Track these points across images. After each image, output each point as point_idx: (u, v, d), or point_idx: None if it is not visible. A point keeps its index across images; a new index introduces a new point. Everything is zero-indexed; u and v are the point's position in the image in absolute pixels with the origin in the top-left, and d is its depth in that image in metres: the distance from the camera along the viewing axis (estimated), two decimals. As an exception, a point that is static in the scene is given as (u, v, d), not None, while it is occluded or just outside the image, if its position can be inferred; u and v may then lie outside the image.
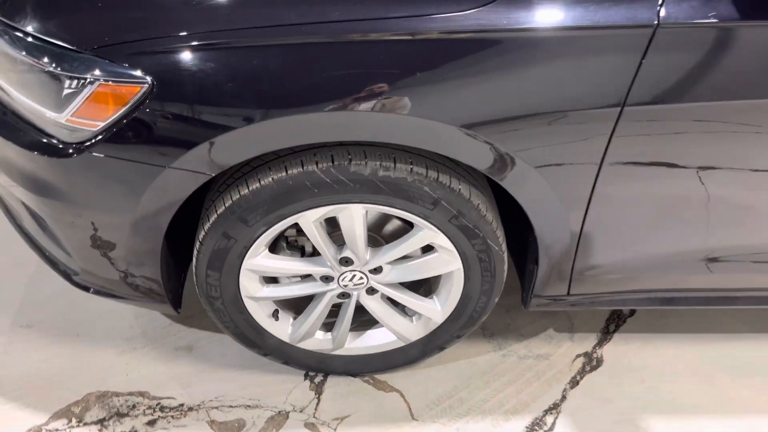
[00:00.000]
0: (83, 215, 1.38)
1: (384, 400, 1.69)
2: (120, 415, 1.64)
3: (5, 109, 1.35)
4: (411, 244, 1.43)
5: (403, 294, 1.55)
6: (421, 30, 1.14)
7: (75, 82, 1.19)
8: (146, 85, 1.16)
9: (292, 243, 1.51)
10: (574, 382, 1.75)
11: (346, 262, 1.46)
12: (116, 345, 1.80)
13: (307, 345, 1.64)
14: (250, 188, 1.31)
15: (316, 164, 1.28)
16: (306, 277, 1.54)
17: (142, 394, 1.69)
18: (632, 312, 1.95)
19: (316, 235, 1.39)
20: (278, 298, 1.55)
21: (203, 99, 1.17)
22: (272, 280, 1.56)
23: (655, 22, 1.14)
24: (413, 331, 1.62)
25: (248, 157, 1.25)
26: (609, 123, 1.23)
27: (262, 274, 1.49)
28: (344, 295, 1.55)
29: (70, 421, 1.62)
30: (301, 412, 1.66)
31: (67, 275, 1.58)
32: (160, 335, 1.83)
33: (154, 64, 1.16)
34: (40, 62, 1.20)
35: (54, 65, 1.19)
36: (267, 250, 1.44)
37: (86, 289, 1.57)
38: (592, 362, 1.81)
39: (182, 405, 1.66)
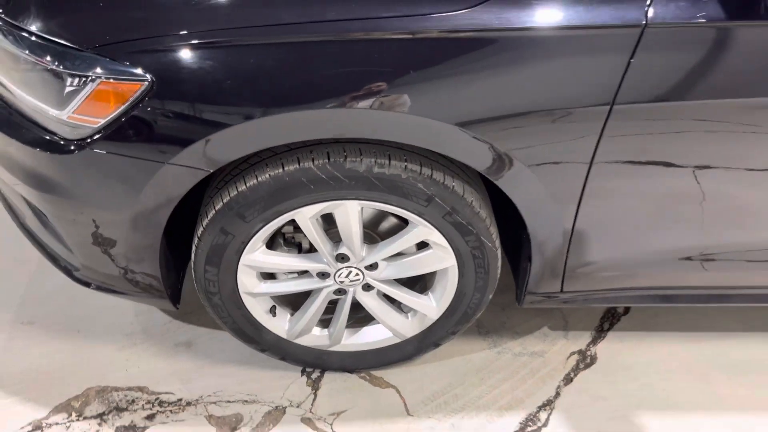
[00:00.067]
0: (85, 212, 1.40)
1: (380, 396, 1.71)
2: (119, 410, 1.66)
3: (9, 107, 1.38)
4: (406, 240, 1.45)
5: (399, 290, 1.57)
6: (415, 29, 1.17)
7: (77, 79, 1.22)
8: (146, 83, 1.19)
9: (289, 240, 1.54)
10: (568, 379, 1.77)
11: (342, 258, 1.48)
12: (116, 341, 1.83)
13: (304, 341, 1.66)
14: (248, 185, 1.33)
15: (312, 161, 1.31)
16: (303, 274, 1.56)
17: (141, 389, 1.71)
18: (627, 310, 1.97)
19: (313, 232, 1.42)
20: (275, 293, 1.58)
21: (201, 96, 1.20)
22: (270, 276, 1.58)
23: (643, 22, 1.16)
24: (408, 328, 1.65)
25: (245, 153, 1.28)
26: (599, 121, 1.25)
27: (259, 270, 1.51)
28: (340, 292, 1.57)
29: (70, 415, 1.65)
30: (297, 407, 1.68)
31: (68, 271, 1.61)
32: (160, 332, 1.86)
33: (154, 62, 1.18)
34: (43, 60, 1.23)
35: (56, 63, 1.22)
36: (264, 246, 1.47)
37: (87, 284, 1.60)
38: (586, 360, 1.83)
39: (181, 400, 1.69)
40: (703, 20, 1.17)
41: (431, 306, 1.59)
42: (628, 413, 1.69)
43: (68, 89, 1.23)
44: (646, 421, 1.68)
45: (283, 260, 1.50)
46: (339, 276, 1.52)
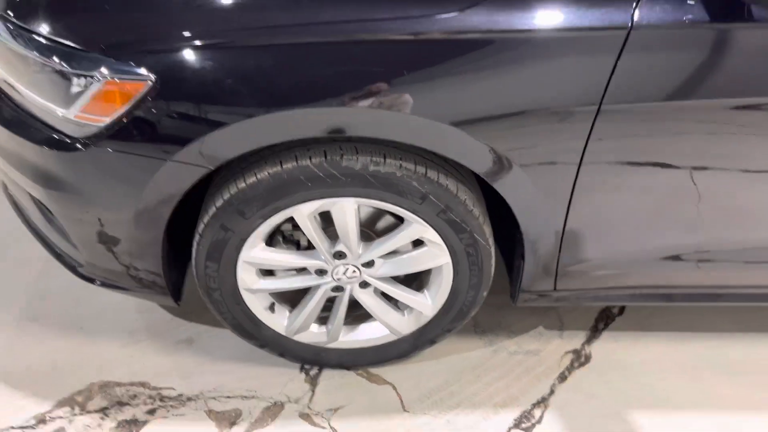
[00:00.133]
0: (90, 210, 1.45)
1: (377, 393, 1.74)
2: (121, 404, 1.69)
3: (18, 107, 1.43)
4: (401, 237, 1.49)
5: (395, 288, 1.60)
6: (408, 30, 1.21)
7: (83, 79, 1.26)
8: (149, 82, 1.23)
9: (288, 237, 1.57)
10: (562, 378, 1.80)
11: (339, 255, 1.52)
12: (119, 338, 1.86)
13: (302, 338, 1.70)
14: (248, 182, 1.37)
15: (310, 159, 1.35)
16: (301, 271, 1.60)
17: (143, 384, 1.74)
18: (621, 311, 1.99)
19: (310, 229, 1.46)
20: (274, 290, 1.61)
21: (201, 95, 1.24)
22: (269, 273, 1.62)
23: (629, 25, 1.20)
24: (405, 325, 1.68)
25: (244, 151, 1.32)
26: (587, 122, 1.29)
27: (258, 267, 1.55)
28: (338, 289, 1.60)
29: (74, 409, 1.68)
30: (296, 402, 1.71)
31: (72, 267, 1.65)
32: (162, 329, 1.89)
33: (157, 62, 1.23)
34: (51, 62, 1.28)
35: (63, 64, 1.27)
36: (264, 243, 1.51)
37: (92, 280, 1.64)
38: (580, 359, 1.85)
39: (181, 395, 1.72)
40: (688, 22, 1.21)
41: (427, 303, 1.62)
42: (621, 411, 1.72)
43: (75, 89, 1.28)
44: (639, 418, 1.70)
45: (282, 257, 1.54)
46: (336, 273, 1.55)
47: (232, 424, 1.66)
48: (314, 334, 1.70)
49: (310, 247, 1.55)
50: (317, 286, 1.59)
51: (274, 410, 1.70)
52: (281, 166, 1.35)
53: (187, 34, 1.23)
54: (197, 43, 1.22)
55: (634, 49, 1.21)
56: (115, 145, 1.31)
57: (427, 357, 1.82)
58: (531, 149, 1.33)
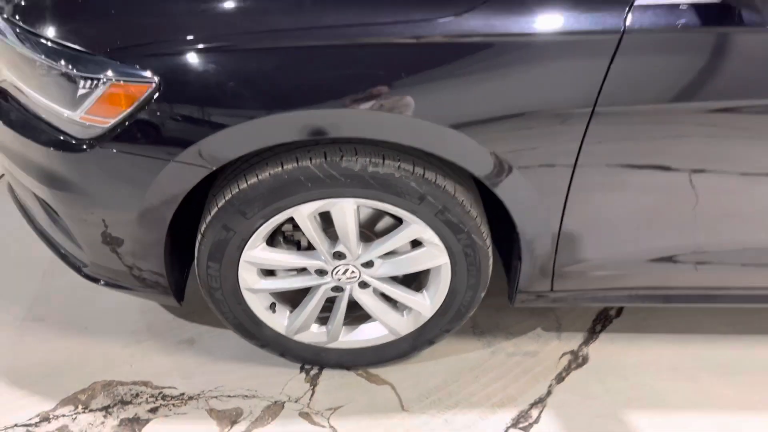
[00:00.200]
0: (95, 211, 1.48)
1: (376, 393, 1.76)
2: (124, 403, 1.72)
3: (25, 110, 1.46)
4: (400, 238, 1.51)
5: (394, 288, 1.62)
6: (406, 34, 1.24)
7: (89, 82, 1.30)
8: (153, 85, 1.26)
9: (288, 237, 1.60)
10: (559, 379, 1.81)
11: (339, 256, 1.54)
12: (122, 338, 1.89)
13: (302, 337, 1.72)
14: (249, 182, 1.40)
15: (310, 160, 1.37)
16: (301, 271, 1.62)
17: (145, 383, 1.77)
18: (619, 313, 2.01)
19: (310, 229, 1.48)
20: (275, 290, 1.64)
21: (204, 97, 1.27)
22: (270, 273, 1.65)
23: (622, 29, 1.23)
24: (404, 325, 1.70)
25: (246, 152, 1.35)
26: (581, 124, 1.31)
27: (259, 267, 1.57)
28: (338, 289, 1.63)
29: (77, 407, 1.70)
30: (296, 402, 1.73)
31: (77, 268, 1.68)
32: (164, 329, 1.92)
33: (162, 65, 1.26)
34: (58, 64, 1.31)
35: (70, 67, 1.30)
36: (264, 243, 1.53)
37: (96, 280, 1.67)
38: (578, 360, 1.87)
39: (183, 394, 1.74)
40: (679, 27, 1.23)
41: (425, 303, 1.64)
42: (618, 412, 1.73)
43: (81, 91, 1.31)
44: (636, 419, 1.71)
45: (283, 257, 1.56)
46: (336, 273, 1.58)
47: (233, 422, 1.68)
48: (314, 334, 1.72)
49: (310, 247, 1.58)
50: (317, 286, 1.62)
51: (274, 409, 1.72)
52: (282, 166, 1.38)
53: (190, 37, 1.26)
54: (201, 46, 1.25)
55: (626, 52, 1.24)
56: (119, 146, 1.34)
57: (426, 357, 1.84)
58: (527, 151, 1.35)
